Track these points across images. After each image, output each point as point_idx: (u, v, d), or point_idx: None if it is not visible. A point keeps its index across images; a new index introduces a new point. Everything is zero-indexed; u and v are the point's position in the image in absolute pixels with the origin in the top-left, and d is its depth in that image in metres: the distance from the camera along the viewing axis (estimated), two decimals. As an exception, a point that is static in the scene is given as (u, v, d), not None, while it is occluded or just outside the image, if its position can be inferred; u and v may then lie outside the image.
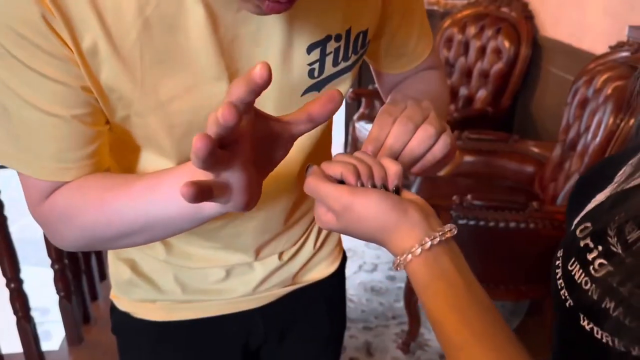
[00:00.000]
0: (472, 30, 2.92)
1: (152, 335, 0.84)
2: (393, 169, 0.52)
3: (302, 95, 0.64)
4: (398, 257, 0.46)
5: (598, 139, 1.80)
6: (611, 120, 1.77)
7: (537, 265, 1.94)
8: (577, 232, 0.46)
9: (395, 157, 0.56)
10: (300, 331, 0.90)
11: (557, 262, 0.47)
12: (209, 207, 0.52)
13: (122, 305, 0.85)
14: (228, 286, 0.81)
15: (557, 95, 2.49)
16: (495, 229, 1.82)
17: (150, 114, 0.58)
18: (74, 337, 2.02)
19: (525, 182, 2.30)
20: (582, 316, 0.42)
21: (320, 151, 0.75)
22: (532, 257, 1.92)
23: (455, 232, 0.47)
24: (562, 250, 0.48)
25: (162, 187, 0.55)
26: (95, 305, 2.16)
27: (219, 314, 0.83)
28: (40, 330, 1.87)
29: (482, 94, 2.83)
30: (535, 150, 2.31)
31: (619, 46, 1.95)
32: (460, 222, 1.83)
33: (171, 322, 0.83)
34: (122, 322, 0.86)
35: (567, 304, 0.44)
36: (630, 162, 0.47)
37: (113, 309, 0.88)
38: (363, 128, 2.95)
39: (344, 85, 0.67)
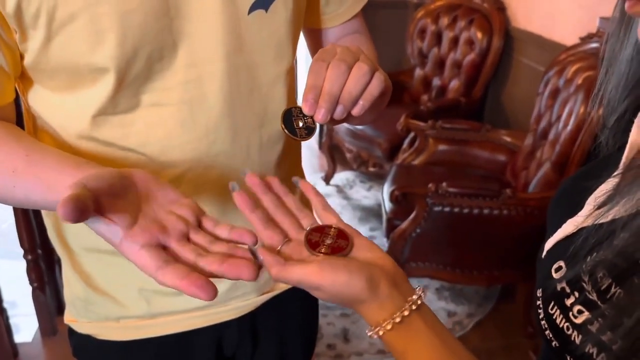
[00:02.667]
0: (445, 21, 2.96)
1: (118, 356, 0.79)
2: (305, 220, 0.54)
3: (249, 14, 0.64)
4: (372, 328, 0.47)
5: (569, 127, 1.85)
6: (582, 109, 1.82)
7: (510, 250, 2.00)
8: (553, 271, 0.47)
9: (335, 100, 0.57)
10: (275, 336, 0.88)
11: (538, 302, 0.49)
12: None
13: (82, 328, 0.79)
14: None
15: (528, 85, 2.55)
16: (469, 215, 1.87)
17: (76, 19, 0.56)
18: (47, 328, 1.99)
19: (497, 170, 2.35)
20: (568, 357, 0.44)
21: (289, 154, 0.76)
22: (505, 243, 1.97)
23: (425, 296, 0.48)
24: (540, 290, 0.49)
25: (50, 176, 0.54)
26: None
27: (190, 329, 0.79)
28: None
29: (454, 84, 2.87)
30: (507, 139, 2.36)
31: (588, 37, 2.01)
32: (436, 209, 1.87)
33: (138, 341, 0.78)
34: (84, 345, 0.80)
35: (553, 344, 0.46)
36: (602, 187, 0.47)
37: (71, 332, 0.81)
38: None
39: (287, 7, 0.67)
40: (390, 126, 2.60)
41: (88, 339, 0.79)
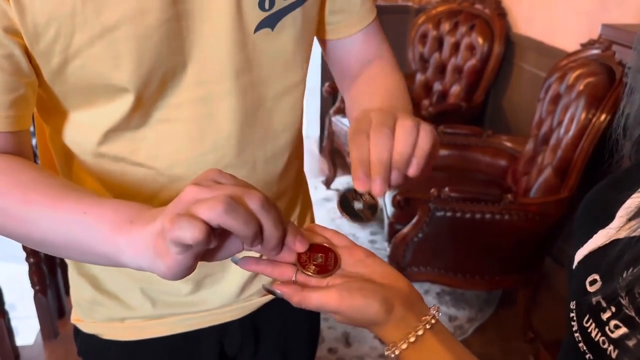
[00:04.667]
0: (446, 26, 2.97)
1: (123, 355, 0.80)
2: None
3: (255, 33, 0.63)
4: (388, 348, 0.49)
5: (571, 133, 1.86)
6: (583, 115, 1.83)
7: (511, 255, 2.00)
8: (587, 284, 0.47)
9: (387, 167, 0.54)
10: (277, 337, 0.89)
11: (572, 315, 0.49)
12: (129, 257, 0.48)
13: (87, 327, 0.80)
14: (201, 298, 0.78)
15: (529, 91, 2.56)
16: (471, 220, 1.87)
17: (94, 44, 0.55)
18: (49, 331, 1.99)
19: (498, 175, 2.36)
20: None
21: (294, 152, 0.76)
22: (506, 248, 1.97)
23: (439, 315, 0.50)
24: (574, 302, 0.49)
25: (87, 217, 0.50)
26: (70, 299, 2.13)
27: (194, 329, 0.80)
28: (7, 326, 1.83)
29: (455, 89, 2.88)
30: (508, 144, 2.36)
31: (589, 44, 2.02)
32: (438, 213, 1.87)
33: (143, 341, 0.78)
34: (89, 344, 0.81)
35: (587, 357, 0.46)
36: (634, 199, 0.47)
37: (77, 332, 0.82)
38: (339, 122, 2.96)
39: (295, 25, 0.66)
40: (391, 131, 2.60)
41: (93, 339, 0.79)
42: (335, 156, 3.15)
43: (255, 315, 0.83)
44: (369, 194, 0.54)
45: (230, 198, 0.42)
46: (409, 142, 0.55)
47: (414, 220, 1.91)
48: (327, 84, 3.03)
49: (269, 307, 0.84)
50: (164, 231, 0.43)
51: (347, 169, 3.24)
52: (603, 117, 1.78)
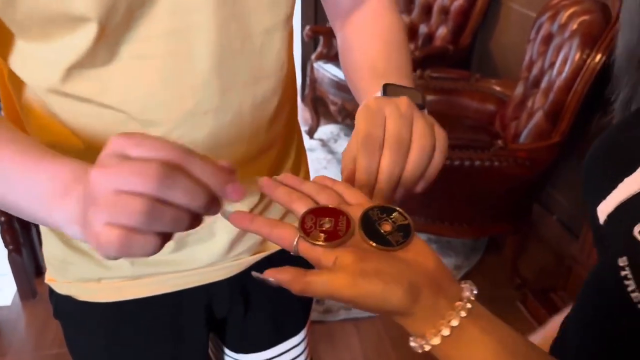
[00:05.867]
0: (432, -36, 2.83)
1: (102, 318, 0.76)
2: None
3: None
4: (415, 340, 0.40)
5: (564, 74, 1.79)
6: (577, 55, 1.75)
7: (501, 203, 1.97)
8: (637, 234, 0.42)
9: (394, 187, 0.51)
10: (267, 298, 0.84)
11: (624, 273, 0.42)
12: (70, 233, 0.44)
13: (61, 288, 0.75)
14: (186, 256, 0.73)
15: (518, 32, 2.47)
16: (460, 167, 1.82)
17: None
18: (26, 291, 1.93)
19: (485, 121, 2.30)
20: None
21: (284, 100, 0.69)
22: (495, 195, 1.94)
23: (475, 295, 0.40)
24: (626, 258, 0.43)
25: (27, 181, 0.47)
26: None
27: (179, 289, 0.75)
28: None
29: (442, 31, 2.78)
30: (497, 88, 2.30)
31: (584, -20, 1.92)
32: (426, 161, 1.81)
33: (122, 302, 0.74)
34: (64, 306, 0.77)
35: None
36: None
37: (51, 292, 0.77)
38: (322, 68, 2.85)
39: None
40: (376, 76, 2.51)
41: (68, 300, 0.75)
42: (318, 104, 3.06)
43: (245, 276, 0.79)
44: (399, 211, 0.44)
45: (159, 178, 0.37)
46: (423, 164, 0.53)
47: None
48: (307, 27, 2.89)
49: (259, 267, 0.79)
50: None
51: (330, 118, 3.15)
52: (598, 57, 1.71)
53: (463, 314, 0.38)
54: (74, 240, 0.70)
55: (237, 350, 0.86)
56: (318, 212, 0.43)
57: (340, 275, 0.38)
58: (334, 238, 0.41)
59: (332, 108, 2.89)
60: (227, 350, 0.87)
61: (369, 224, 0.42)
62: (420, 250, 0.40)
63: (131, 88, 0.59)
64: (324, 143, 3.14)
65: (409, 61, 0.70)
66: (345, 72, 0.75)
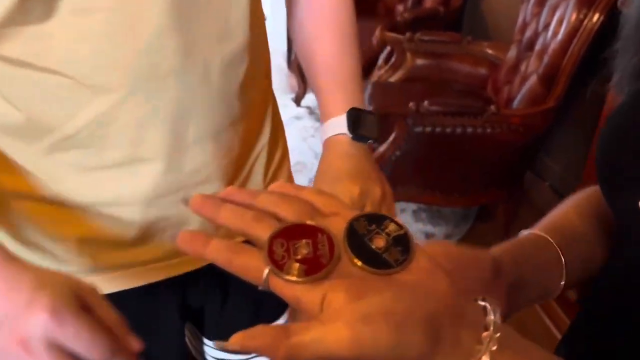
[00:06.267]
0: None
1: None
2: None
3: None
4: None
5: (559, 36, 1.73)
6: (574, 16, 1.69)
7: (493, 170, 1.93)
8: None
9: None
10: (248, 287, 0.77)
11: None
12: None
13: None
14: (154, 247, 0.67)
15: (511, -8, 2.39)
16: (451, 135, 1.77)
17: None
18: None
19: (477, 85, 2.25)
20: None
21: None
22: (488, 163, 1.90)
23: (497, 316, 0.31)
24: None
25: None
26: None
27: (148, 283, 0.69)
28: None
29: (432, -8, 2.69)
30: (489, 51, 2.24)
31: None
32: (417, 129, 1.76)
33: None
34: None
35: None
36: None
37: None
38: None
39: None
40: (364, 41, 2.41)
41: None
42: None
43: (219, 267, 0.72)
44: (391, 218, 0.33)
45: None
46: None
47: (391, 138, 1.80)
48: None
49: None
50: None
51: (317, 84, 3.07)
52: (596, 17, 1.65)
53: (493, 347, 0.30)
54: (25, 233, 0.65)
55: (216, 338, 0.81)
56: (288, 233, 0.32)
57: (336, 327, 0.27)
58: (316, 269, 0.30)
59: (319, 74, 2.81)
60: (205, 340, 0.82)
61: (357, 241, 0.32)
62: (426, 268, 0.31)
63: (75, 48, 0.53)
64: (311, 111, 3.07)
65: (359, 55, 0.73)
66: (301, 59, 0.75)
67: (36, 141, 0.59)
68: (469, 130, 1.75)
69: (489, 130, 1.76)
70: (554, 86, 1.75)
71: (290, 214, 0.33)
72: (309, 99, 3.13)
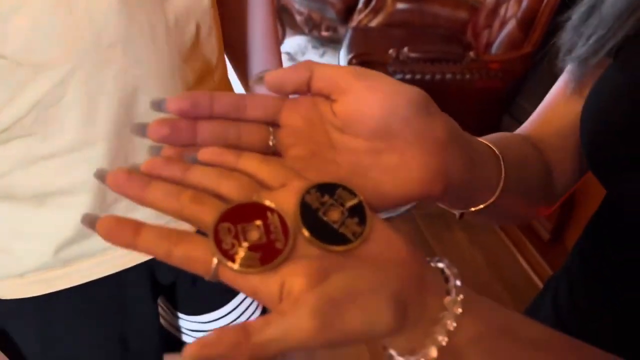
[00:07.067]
0: None
1: (34, 313, 0.67)
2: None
3: None
4: (405, 358, 0.30)
5: (539, -20, 1.72)
6: (553, -41, 1.67)
7: (470, 116, 1.95)
8: None
9: None
10: None
11: None
12: None
13: None
14: None
15: None
16: (431, 82, 1.78)
17: None
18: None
19: (457, 29, 2.23)
20: None
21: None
22: (466, 109, 1.91)
23: (458, 279, 0.30)
24: None
25: None
26: None
27: (116, 271, 0.66)
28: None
29: None
30: (469, -6, 2.21)
31: None
32: (397, 77, 1.76)
33: (55, 293, 0.65)
34: None
35: None
36: None
37: None
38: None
39: None
40: (343, -16, 2.38)
41: None
42: (284, 15, 2.91)
43: None
44: (343, 185, 0.30)
45: None
46: None
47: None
48: None
49: None
50: None
51: (297, 29, 3.01)
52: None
53: (459, 310, 0.29)
54: None
55: (190, 312, 0.80)
56: (234, 215, 0.28)
57: (299, 317, 0.25)
58: (271, 256, 0.27)
59: (298, 18, 2.76)
60: (180, 315, 0.81)
61: (311, 217, 0.29)
62: (384, 237, 0.29)
63: (7, 24, 0.48)
64: (290, 57, 3.02)
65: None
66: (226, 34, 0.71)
67: None
68: (449, 76, 1.76)
69: (468, 76, 1.77)
70: (532, 31, 1.75)
71: (233, 191, 0.29)
72: (288, 44, 3.08)
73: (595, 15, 0.43)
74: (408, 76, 1.76)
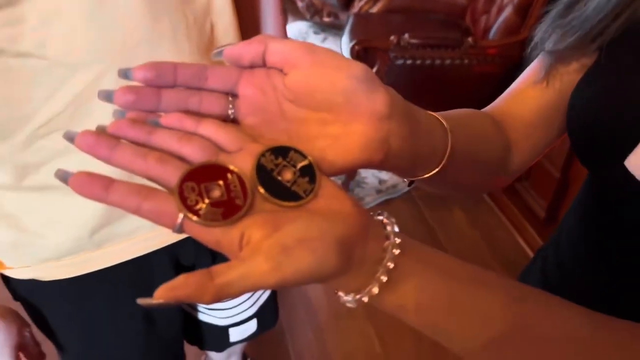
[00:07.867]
0: None
1: (68, 293, 0.72)
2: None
3: None
4: (351, 296, 0.33)
5: (535, -33, 1.76)
6: (549, -54, 1.71)
7: (468, 101, 1.99)
8: None
9: None
10: None
11: None
12: None
13: (20, 274, 0.70)
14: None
15: None
16: (431, 66, 1.83)
17: None
18: None
19: (457, 15, 2.27)
20: None
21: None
22: (463, 94, 1.97)
23: (395, 224, 0.33)
24: None
25: None
26: None
27: (143, 253, 0.71)
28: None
29: None
30: (468, -20, 2.25)
31: None
32: (398, 62, 1.81)
33: (88, 274, 0.70)
34: (25, 289, 0.73)
35: None
36: None
37: (6, 279, 0.72)
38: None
39: None
40: (344, -30, 2.41)
41: (30, 283, 0.71)
42: (285, 1, 2.94)
43: None
44: (295, 149, 0.34)
45: None
46: None
47: (373, 70, 1.85)
48: None
49: None
50: None
51: (298, 15, 3.05)
52: None
53: (396, 251, 0.32)
54: (23, 222, 0.67)
55: None
56: (197, 175, 0.31)
57: (257, 261, 0.28)
58: (232, 211, 0.30)
59: (300, 4, 2.80)
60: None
61: (266, 177, 0.32)
62: (331, 194, 0.32)
63: (48, 28, 0.53)
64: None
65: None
66: None
67: (11, 137, 0.59)
68: (448, 62, 1.81)
69: (466, 61, 1.82)
70: (528, 16, 1.80)
71: (195, 154, 0.31)
72: (290, 30, 3.12)
73: (576, 12, 0.45)
74: (409, 61, 1.81)
